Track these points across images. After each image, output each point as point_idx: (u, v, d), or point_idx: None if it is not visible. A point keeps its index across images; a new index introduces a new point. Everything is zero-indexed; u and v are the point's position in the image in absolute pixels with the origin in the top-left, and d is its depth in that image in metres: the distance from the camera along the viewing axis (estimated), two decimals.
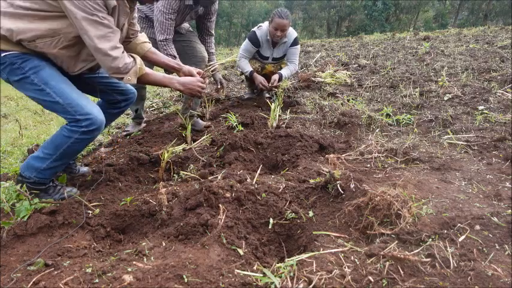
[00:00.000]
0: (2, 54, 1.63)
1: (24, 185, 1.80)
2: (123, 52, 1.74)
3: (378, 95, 4.02)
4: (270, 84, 3.63)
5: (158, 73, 2.00)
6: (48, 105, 1.72)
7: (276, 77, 3.65)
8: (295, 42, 3.66)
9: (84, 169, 2.26)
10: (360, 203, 1.47)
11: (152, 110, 4.23)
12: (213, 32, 3.11)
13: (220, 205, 1.55)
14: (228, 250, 1.31)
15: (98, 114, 1.75)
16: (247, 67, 3.75)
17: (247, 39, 3.69)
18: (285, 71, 3.74)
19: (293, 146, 2.47)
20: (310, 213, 1.60)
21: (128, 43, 2.04)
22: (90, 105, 1.76)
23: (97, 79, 2.03)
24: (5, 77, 1.71)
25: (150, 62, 2.19)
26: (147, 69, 1.89)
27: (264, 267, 1.25)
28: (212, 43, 3.18)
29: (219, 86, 3.32)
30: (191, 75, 2.12)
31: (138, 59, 1.84)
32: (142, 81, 1.90)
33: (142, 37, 2.12)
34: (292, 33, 3.62)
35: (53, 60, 1.75)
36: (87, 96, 1.83)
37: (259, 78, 3.67)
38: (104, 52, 1.65)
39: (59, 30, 1.65)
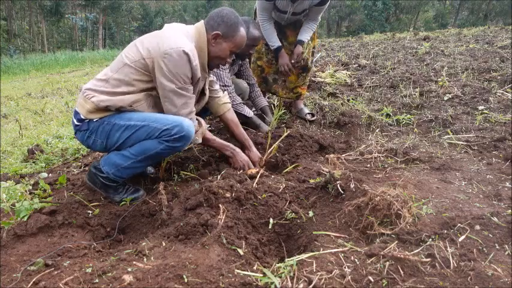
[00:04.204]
0: (94, 120, 1.77)
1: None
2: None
3: (377, 95, 4.02)
4: (293, 61, 3.03)
5: (216, 139, 2.15)
6: (139, 136, 1.76)
7: (298, 49, 3.01)
8: (323, 1, 2.80)
9: (152, 170, 2.27)
10: (360, 203, 1.47)
11: None
12: (253, 81, 3.11)
13: (220, 205, 1.55)
14: (228, 250, 1.31)
15: (184, 120, 1.78)
16: (274, 38, 2.95)
17: None
18: (305, 35, 2.99)
19: (293, 146, 2.47)
20: (310, 213, 1.60)
21: (205, 98, 2.15)
22: (175, 117, 1.81)
23: None
24: (99, 145, 1.82)
25: (226, 126, 2.34)
26: (208, 134, 2.09)
27: (264, 267, 1.25)
28: (255, 86, 3.13)
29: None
30: (251, 158, 2.22)
31: (203, 122, 1.99)
32: (202, 143, 2.06)
33: (225, 98, 2.27)
34: None
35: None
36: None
37: (285, 59, 3.01)
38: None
39: (152, 92, 1.83)
